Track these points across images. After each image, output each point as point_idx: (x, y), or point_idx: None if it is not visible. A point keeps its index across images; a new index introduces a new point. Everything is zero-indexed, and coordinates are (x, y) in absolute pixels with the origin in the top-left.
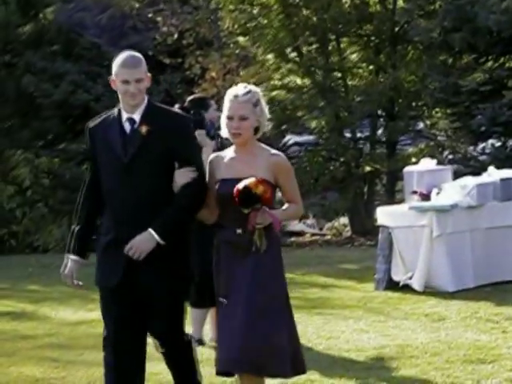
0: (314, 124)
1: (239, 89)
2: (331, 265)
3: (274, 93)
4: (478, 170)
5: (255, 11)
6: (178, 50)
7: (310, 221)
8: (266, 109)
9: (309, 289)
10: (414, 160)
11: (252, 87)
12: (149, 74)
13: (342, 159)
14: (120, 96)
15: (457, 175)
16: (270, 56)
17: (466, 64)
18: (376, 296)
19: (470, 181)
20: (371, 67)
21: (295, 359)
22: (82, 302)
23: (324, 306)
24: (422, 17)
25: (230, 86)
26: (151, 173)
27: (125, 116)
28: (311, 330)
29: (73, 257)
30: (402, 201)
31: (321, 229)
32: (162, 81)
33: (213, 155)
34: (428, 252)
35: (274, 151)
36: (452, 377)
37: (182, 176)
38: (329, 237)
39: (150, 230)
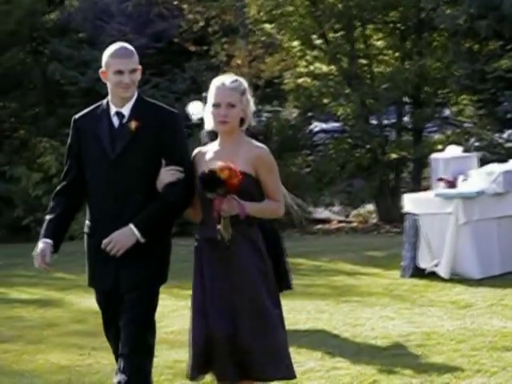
0: (339, 111)
1: (226, 77)
2: (357, 252)
3: (300, 80)
4: (504, 157)
5: None
6: (204, 38)
7: (336, 208)
8: (251, 101)
9: (335, 276)
10: (440, 147)
11: (239, 77)
12: (139, 67)
13: (368, 146)
14: (111, 88)
15: (483, 162)
16: (295, 43)
17: (491, 51)
18: (402, 283)
19: (496, 168)
20: (397, 54)
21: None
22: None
23: (350, 293)
24: (448, 3)
25: (256, 74)
26: (138, 169)
27: (113, 110)
28: (337, 318)
29: (46, 239)
30: (428, 188)
31: (347, 216)
32: (187, 68)
33: (195, 151)
34: (454, 239)
35: (257, 144)
36: (478, 364)
37: (168, 174)
38: (355, 224)
39: (131, 225)
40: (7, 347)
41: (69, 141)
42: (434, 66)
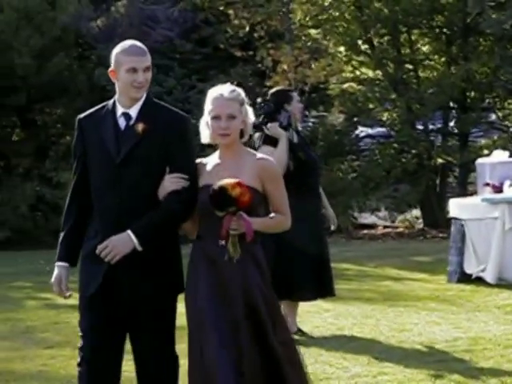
0: (385, 116)
1: (223, 88)
2: (403, 257)
3: (346, 85)
4: None
5: (326, 3)
6: (249, 43)
7: (382, 213)
8: (250, 111)
9: (381, 281)
10: (486, 152)
11: (236, 87)
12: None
13: (413, 151)
14: (121, 87)
15: None
16: (341, 48)
17: None
18: (448, 288)
19: None
20: (443, 59)
21: None
22: None
23: (396, 298)
24: (494, 8)
25: (302, 79)
26: (144, 174)
27: (120, 110)
28: (384, 323)
29: (60, 263)
30: (474, 193)
31: (393, 221)
32: (232, 73)
33: (196, 161)
34: (500, 244)
35: (260, 155)
36: None
37: (172, 182)
38: (401, 229)
39: (129, 231)
40: (54, 353)
41: (73, 142)
42: (480, 71)
